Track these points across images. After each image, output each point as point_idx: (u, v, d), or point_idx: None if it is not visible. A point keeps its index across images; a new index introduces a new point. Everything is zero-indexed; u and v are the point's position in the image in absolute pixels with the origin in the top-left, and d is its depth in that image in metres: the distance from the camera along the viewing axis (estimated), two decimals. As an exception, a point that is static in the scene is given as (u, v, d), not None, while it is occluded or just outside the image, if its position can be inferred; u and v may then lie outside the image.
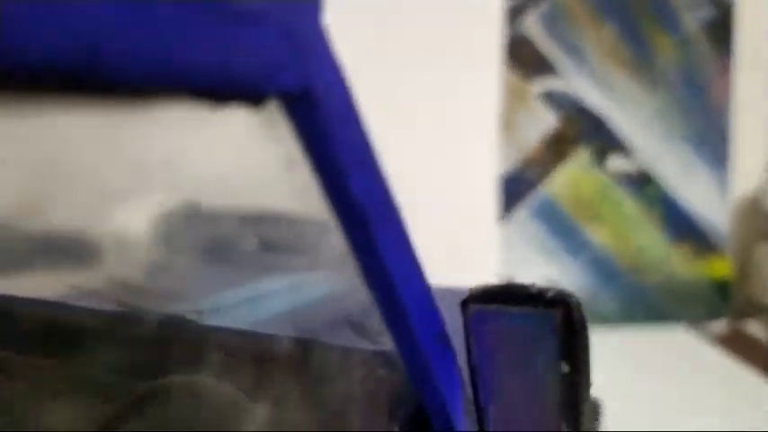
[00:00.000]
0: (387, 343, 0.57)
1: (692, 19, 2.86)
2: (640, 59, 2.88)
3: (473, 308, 0.55)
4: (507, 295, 0.53)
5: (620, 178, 2.92)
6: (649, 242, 2.95)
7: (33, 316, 0.79)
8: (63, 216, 0.69)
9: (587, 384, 0.52)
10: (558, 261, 2.91)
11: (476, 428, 0.58)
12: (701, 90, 2.89)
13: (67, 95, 0.25)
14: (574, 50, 2.86)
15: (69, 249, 0.72)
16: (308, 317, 0.60)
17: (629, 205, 2.94)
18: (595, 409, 1.31)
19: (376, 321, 0.55)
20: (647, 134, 2.90)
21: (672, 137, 2.90)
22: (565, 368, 0.51)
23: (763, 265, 2.92)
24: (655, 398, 1.96)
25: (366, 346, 0.57)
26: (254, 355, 0.64)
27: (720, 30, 2.88)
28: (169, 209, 0.73)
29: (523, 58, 2.85)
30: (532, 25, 2.83)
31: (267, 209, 0.70)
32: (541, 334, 0.51)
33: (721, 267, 2.95)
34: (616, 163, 2.91)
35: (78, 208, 0.69)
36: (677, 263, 2.96)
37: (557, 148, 2.89)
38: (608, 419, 1.50)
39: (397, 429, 0.56)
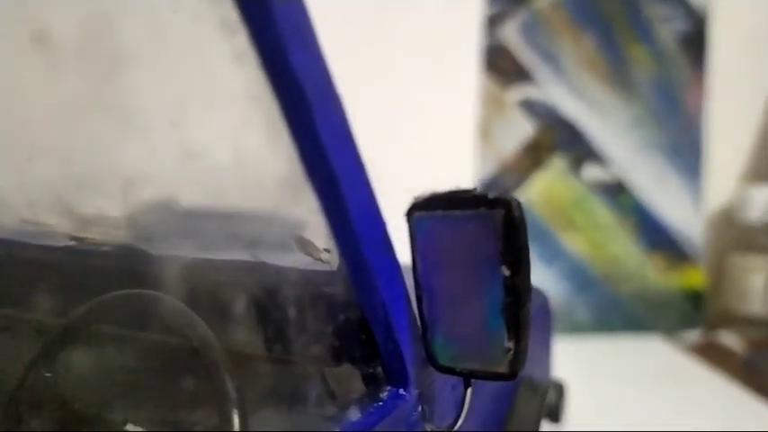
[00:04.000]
0: (330, 259, 0.57)
1: (668, 31, 2.91)
2: (616, 70, 2.91)
3: (417, 215, 0.55)
4: (450, 201, 0.53)
5: (595, 187, 2.94)
6: (624, 251, 2.96)
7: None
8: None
9: (527, 288, 0.52)
10: (533, 269, 2.90)
11: (419, 338, 0.58)
12: (675, 101, 2.93)
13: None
14: (551, 59, 2.89)
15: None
16: (255, 236, 0.59)
17: (604, 214, 2.95)
18: (560, 392, 1.31)
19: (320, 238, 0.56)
20: (622, 144, 2.93)
21: (646, 147, 2.93)
22: (505, 271, 0.51)
23: (736, 276, 2.94)
24: (629, 407, 1.96)
25: (311, 261, 0.57)
26: (201, 280, 0.63)
27: (695, 42, 2.92)
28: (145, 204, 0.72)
29: (502, 67, 2.87)
30: (511, 34, 2.86)
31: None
32: (484, 235, 0.51)
33: (695, 277, 2.97)
34: (591, 172, 2.93)
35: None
36: (651, 272, 2.97)
37: (533, 155, 2.91)
38: (582, 428, 1.50)
39: (338, 344, 0.56)
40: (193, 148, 0.53)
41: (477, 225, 0.51)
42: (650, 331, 2.88)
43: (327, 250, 0.57)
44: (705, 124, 2.92)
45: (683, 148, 2.92)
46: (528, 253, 0.51)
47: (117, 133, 0.61)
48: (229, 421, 0.50)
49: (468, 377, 0.59)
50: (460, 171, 2.84)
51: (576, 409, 1.49)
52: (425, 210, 0.54)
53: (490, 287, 0.52)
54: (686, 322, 2.92)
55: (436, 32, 2.69)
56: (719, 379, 2.30)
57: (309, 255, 0.58)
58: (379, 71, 2.54)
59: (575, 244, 2.93)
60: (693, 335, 2.87)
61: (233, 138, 0.51)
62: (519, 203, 0.50)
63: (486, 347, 0.54)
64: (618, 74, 2.89)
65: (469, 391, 0.60)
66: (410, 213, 0.55)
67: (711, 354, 2.60)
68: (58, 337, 0.62)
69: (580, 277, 2.92)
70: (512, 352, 0.52)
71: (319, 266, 0.59)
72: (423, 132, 2.70)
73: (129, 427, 0.56)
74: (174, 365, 0.59)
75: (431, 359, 0.58)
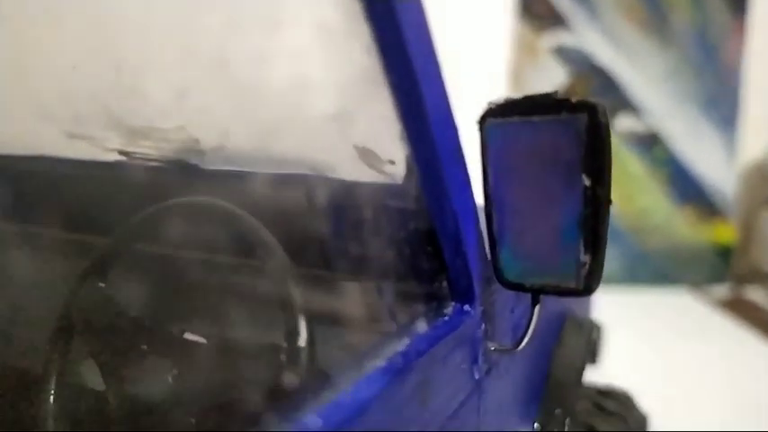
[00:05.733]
0: (394, 172, 0.55)
1: (708, -23, 2.82)
2: (654, 17, 2.83)
3: (490, 122, 0.52)
4: (527, 106, 0.50)
5: (629, 138, 2.88)
6: (655, 204, 2.93)
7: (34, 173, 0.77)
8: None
9: (608, 200, 0.49)
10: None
11: (484, 254, 0.56)
12: (713, 51, 2.85)
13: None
14: (587, 5, 2.81)
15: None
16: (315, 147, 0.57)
17: (636, 166, 2.91)
18: (598, 332, 1.30)
19: (384, 148, 0.54)
20: (658, 94, 2.86)
21: (682, 97, 2.87)
22: (586, 181, 0.49)
23: (767, 232, 2.90)
24: (657, 359, 1.96)
25: (373, 173, 0.55)
26: (260, 193, 0.61)
27: (736, -11, 2.83)
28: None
29: (536, 11, 2.80)
30: (546, -23, 2.79)
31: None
32: (565, 141, 0.48)
33: (725, 232, 2.93)
34: (625, 122, 2.87)
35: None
36: (682, 226, 2.93)
37: (565, 104, 2.85)
38: (609, 378, 1.49)
39: (403, 259, 0.54)
40: (261, 45, 0.50)
41: (557, 131, 0.49)
42: (678, 285, 2.86)
43: (392, 162, 0.55)
44: (743, 76, 2.85)
45: (720, 99, 2.86)
46: (611, 161, 0.48)
47: (172, 40, 0.59)
48: (296, 331, 0.49)
49: (537, 293, 0.57)
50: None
51: (606, 359, 1.49)
52: (500, 116, 0.51)
53: (567, 198, 0.49)
54: (715, 276, 2.90)
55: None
56: (747, 333, 2.29)
57: (372, 166, 0.56)
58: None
59: (604, 195, 2.89)
60: (721, 289, 2.85)
61: (305, 32, 0.48)
62: (605, 108, 0.48)
63: (559, 262, 0.52)
64: (655, 21, 2.81)
65: (537, 308, 0.58)
66: (482, 121, 0.52)
67: (739, 308, 2.58)
68: (112, 246, 0.61)
69: (609, 229, 2.86)
70: (587, 266, 0.50)
71: (383, 180, 0.56)
72: (454, 78, 2.66)
73: (188, 335, 0.54)
74: (234, 278, 0.57)
75: (498, 275, 0.56)
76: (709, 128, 2.88)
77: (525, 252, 0.54)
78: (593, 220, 0.49)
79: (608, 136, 0.48)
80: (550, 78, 2.83)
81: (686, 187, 2.91)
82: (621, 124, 2.87)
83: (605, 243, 0.50)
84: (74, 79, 0.69)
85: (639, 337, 2.12)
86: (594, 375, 1.35)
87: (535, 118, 0.50)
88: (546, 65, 2.84)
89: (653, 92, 2.86)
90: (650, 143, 2.89)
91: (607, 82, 2.84)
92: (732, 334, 2.31)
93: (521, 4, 2.79)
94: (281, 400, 0.46)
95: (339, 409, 0.38)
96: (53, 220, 0.75)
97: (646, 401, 1.19)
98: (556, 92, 0.49)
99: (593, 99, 0.48)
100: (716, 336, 2.28)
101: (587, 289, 0.51)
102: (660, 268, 2.92)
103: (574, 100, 0.48)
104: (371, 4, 0.42)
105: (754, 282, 2.87)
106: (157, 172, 0.69)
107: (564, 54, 2.83)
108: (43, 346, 0.61)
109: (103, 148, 0.71)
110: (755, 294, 2.78)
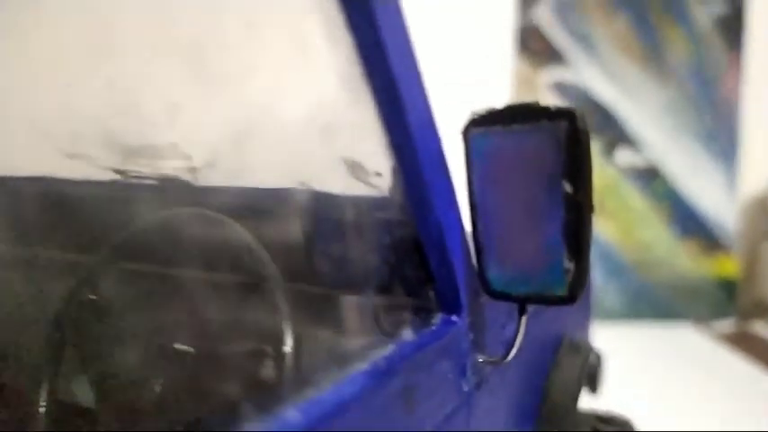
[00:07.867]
0: (381, 184, 0.56)
1: (704, 13, 2.85)
2: (651, 52, 2.86)
3: (474, 131, 0.53)
4: (509, 116, 0.52)
5: (629, 172, 2.89)
6: (655, 238, 2.92)
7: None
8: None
9: (590, 206, 0.50)
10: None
11: (473, 261, 0.56)
12: (711, 85, 2.87)
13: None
14: (585, 41, 2.85)
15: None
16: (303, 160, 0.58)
17: (636, 200, 2.91)
18: (599, 359, 1.29)
19: (371, 161, 0.55)
20: (657, 128, 2.88)
21: (681, 132, 2.88)
22: (567, 187, 0.49)
23: (770, 265, 2.89)
24: (660, 395, 1.93)
25: (361, 186, 0.56)
26: (250, 207, 0.62)
27: (732, 25, 2.87)
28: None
29: (534, 48, 2.84)
30: (544, 15, 2.83)
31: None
32: (544, 149, 0.49)
33: (728, 265, 2.91)
34: (625, 157, 2.89)
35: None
36: (683, 260, 2.92)
37: (565, 139, 2.87)
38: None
39: (389, 271, 0.55)
40: (249, 61, 0.51)
41: (538, 139, 0.50)
42: (682, 319, 2.84)
43: (379, 174, 0.56)
44: (741, 109, 2.87)
45: (719, 133, 2.87)
46: (591, 168, 0.49)
47: (164, 56, 0.60)
48: (282, 336, 0.49)
49: (523, 302, 0.57)
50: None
51: (608, 394, 1.47)
52: (483, 126, 0.53)
53: (550, 205, 0.50)
54: (718, 311, 2.88)
55: (470, 13, 2.67)
56: (752, 368, 2.26)
57: (360, 179, 0.57)
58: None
59: (606, 230, 2.89)
60: (726, 324, 2.82)
61: (290, 48, 0.49)
62: (584, 115, 0.49)
63: (544, 270, 0.52)
64: (652, 56, 2.84)
65: (524, 319, 0.58)
66: (467, 131, 0.53)
67: (744, 343, 2.55)
68: (103, 259, 0.61)
69: (611, 263, 2.88)
70: (571, 273, 0.51)
71: (370, 193, 0.57)
72: (455, 115, 2.68)
73: (177, 345, 0.55)
74: (224, 288, 0.58)
75: (485, 285, 0.56)
76: (709, 161, 2.89)
77: (511, 261, 0.55)
78: (575, 226, 0.50)
79: (587, 142, 0.49)
80: (549, 113, 2.85)
81: (687, 221, 2.91)
82: (621, 159, 2.88)
83: (589, 250, 0.51)
84: (69, 97, 0.70)
85: (643, 372, 2.10)
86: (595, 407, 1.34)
87: (516, 126, 0.51)
88: (545, 101, 2.85)
89: (652, 126, 2.88)
90: (650, 177, 2.90)
91: (606, 117, 2.87)
92: (737, 368, 2.28)
93: (519, 41, 2.82)
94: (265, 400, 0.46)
95: (319, 407, 0.38)
96: (50, 241, 0.76)
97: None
98: (537, 101, 0.50)
99: (572, 107, 0.49)
100: (721, 370, 2.25)
101: (572, 296, 0.52)
102: (663, 303, 2.90)
103: (553, 108, 0.49)
104: (352, 15, 0.43)
105: (758, 316, 2.85)
106: (152, 190, 0.70)
107: (562, 90, 2.86)
108: (35, 360, 0.61)
109: (99, 166, 0.72)
110: (760, 328, 2.75)
